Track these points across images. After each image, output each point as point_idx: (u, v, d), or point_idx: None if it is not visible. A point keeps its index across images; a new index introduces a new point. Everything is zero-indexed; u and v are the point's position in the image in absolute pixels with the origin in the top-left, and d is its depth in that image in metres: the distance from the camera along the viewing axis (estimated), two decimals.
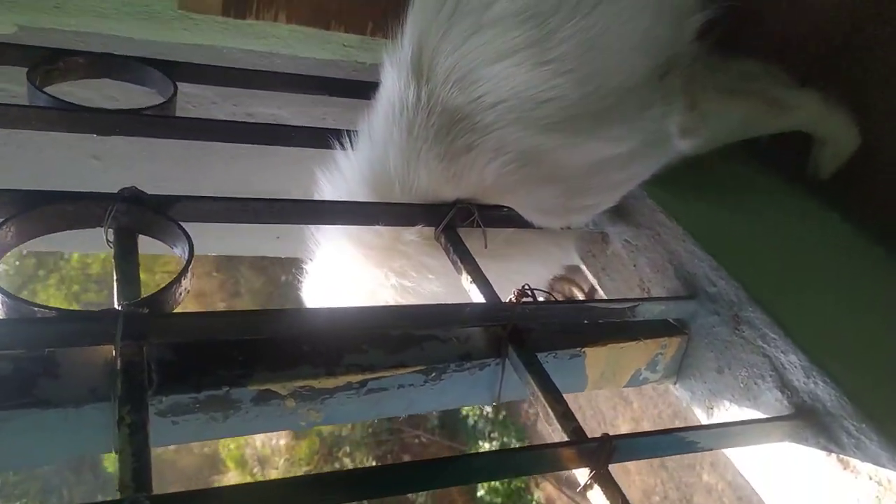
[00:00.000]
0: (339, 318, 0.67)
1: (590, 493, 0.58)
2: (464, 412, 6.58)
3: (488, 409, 6.33)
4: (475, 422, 6.69)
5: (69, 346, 0.55)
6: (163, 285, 0.60)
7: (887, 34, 0.92)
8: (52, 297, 7.58)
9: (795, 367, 0.68)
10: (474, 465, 0.56)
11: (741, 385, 0.74)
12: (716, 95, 0.86)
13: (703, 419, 0.79)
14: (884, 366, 0.68)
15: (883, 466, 0.60)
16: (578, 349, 0.75)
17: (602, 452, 0.58)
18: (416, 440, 7.13)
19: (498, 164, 0.78)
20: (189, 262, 0.64)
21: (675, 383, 0.84)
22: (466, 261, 0.78)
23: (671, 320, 0.82)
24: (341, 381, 0.64)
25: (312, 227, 0.85)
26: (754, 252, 0.82)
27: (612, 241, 0.94)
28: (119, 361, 0.55)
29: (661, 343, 0.80)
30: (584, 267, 0.99)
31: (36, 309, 0.55)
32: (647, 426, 3.98)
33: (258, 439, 7.68)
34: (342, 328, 0.67)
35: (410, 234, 0.82)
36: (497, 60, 0.71)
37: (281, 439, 7.64)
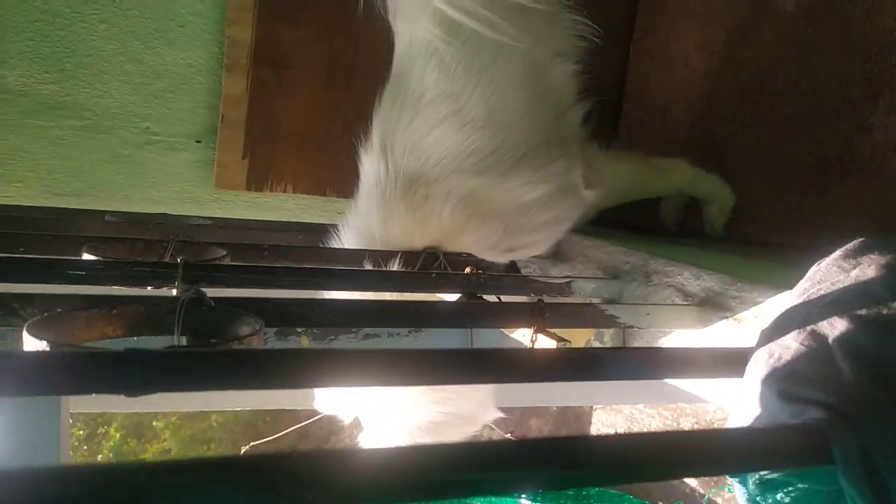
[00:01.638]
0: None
1: (537, 346, 0.75)
2: None
3: None
4: None
5: (143, 283, 0.77)
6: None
7: (735, 102, 1.29)
8: None
9: (689, 278, 0.89)
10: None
11: None
12: (605, 158, 1.18)
13: None
14: (744, 254, 0.89)
15: (758, 303, 0.78)
16: None
17: (537, 311, 0.76)
18: None
19: (450, 207, 1.06)
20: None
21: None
22: None
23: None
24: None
25: None
26: (648, 241, 1.06)
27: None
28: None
29: None
30: None
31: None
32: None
33: None
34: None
35: None
36: (432, 130, 1.05)
37: None
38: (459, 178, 1.06)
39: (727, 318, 0.82)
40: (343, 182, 1.46)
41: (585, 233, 1.15)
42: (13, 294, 0.61)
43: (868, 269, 0.55)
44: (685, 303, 0.87)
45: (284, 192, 1.42)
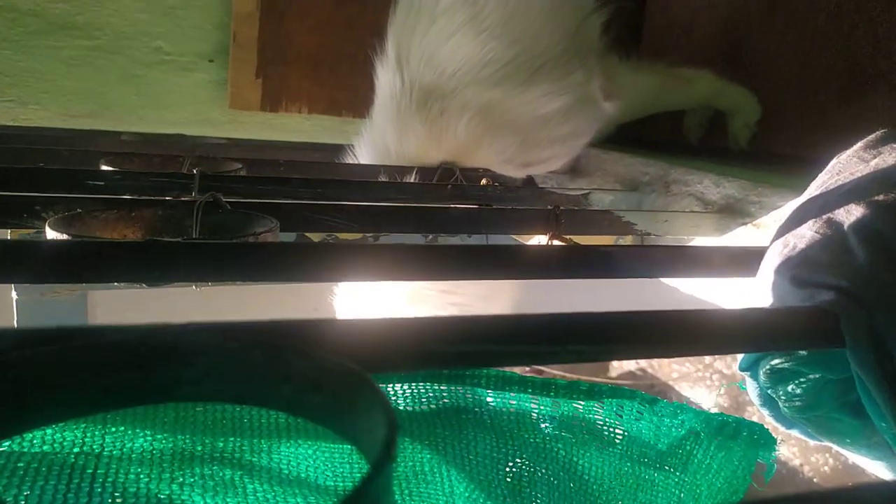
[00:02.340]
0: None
1: None
2: None
3: None
4: None
5: (161, 194, 0.78)
6: None
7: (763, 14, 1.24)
8: None
9: (709, 186, 0.88)
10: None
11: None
12: (626, 69, 1.15)
13: None
14: (762, 165, 0.88)
15: (778, 207, 0.77)
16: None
17: (553, 217, 0.76)
18: None
19: (465, 121, 1.05)
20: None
21: None
22: None
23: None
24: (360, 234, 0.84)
25: None
26: (669, 156, 1.05)
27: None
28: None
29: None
30: None
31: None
32: None
33: None
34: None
35: None
36: (448, 39, 1.03)
37: None
38: (475, 90, 1.04)
39: (746, 223, 0.82)
40: (359, 102, 1.44)
41: (604, 148, 1.13)
42: (36, 196, 0.62)
43: (889, 157, 0.54)
44: (704, 210, 0.86)
45: (299, 112, 1.41)
